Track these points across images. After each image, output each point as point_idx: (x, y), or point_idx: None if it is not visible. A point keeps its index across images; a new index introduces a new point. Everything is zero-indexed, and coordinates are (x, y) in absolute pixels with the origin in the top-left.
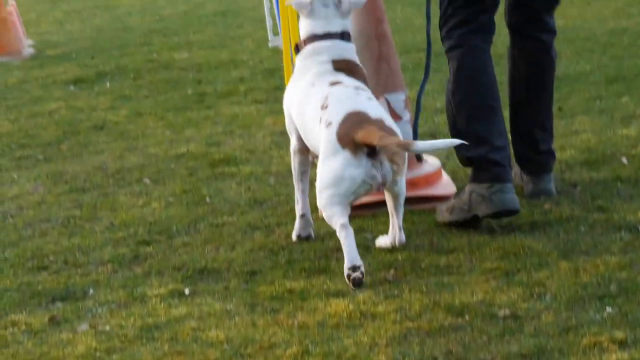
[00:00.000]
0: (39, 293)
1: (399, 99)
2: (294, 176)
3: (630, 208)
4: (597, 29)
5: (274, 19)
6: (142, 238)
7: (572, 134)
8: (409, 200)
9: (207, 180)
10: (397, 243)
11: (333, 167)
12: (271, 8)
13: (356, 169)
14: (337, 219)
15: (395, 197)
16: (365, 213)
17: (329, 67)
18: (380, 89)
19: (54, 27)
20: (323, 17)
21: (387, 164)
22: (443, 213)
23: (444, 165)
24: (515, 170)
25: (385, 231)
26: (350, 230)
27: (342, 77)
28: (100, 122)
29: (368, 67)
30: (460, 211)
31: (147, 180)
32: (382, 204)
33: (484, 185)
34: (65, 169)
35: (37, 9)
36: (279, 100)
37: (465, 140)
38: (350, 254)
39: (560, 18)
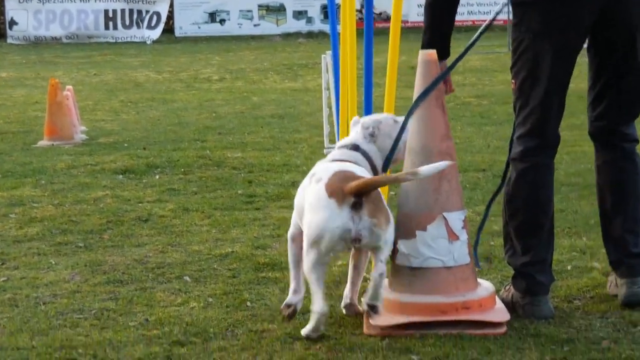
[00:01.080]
0: None
1: (457, 217)
2: (290, 263)
3: None
4: None
5: (331, 125)
6: (176, 338)
7: None
8: (461, 324)
9: (249, 284)
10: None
11: (317, 218)
12: (329, 115)
13: (337, 220)
14: (317, 289)
15: (377, 259)
16: (412, 333)
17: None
18: (438, 207)
19: (109, 115)
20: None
21: (366, 219)
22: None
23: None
24: (610, 278)
25: (434, 353)
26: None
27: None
28: (145, 215)
29: (428, 184)
30: (507, 305)
31: (187, 278)
32: (434, 324)
33: (518, 293)
34: (105, 259)
35: (95, 97)
36: None
37: (510, 247)
38: (312, 325)
39: None
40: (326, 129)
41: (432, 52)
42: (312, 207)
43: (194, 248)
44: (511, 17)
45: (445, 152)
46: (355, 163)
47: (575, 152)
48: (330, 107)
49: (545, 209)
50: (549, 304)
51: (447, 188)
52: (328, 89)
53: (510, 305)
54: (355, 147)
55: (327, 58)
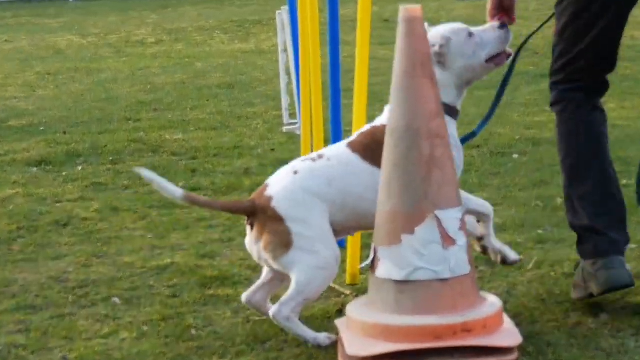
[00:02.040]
0: None
1: (452, 217)
2: None
3: None
4: None
5: (291, 96)
6: None
7: None
8: (460, 350)
9: (194, 305)
10: None
11: None
12: (289, 83)
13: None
14: None
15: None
16: None
17: None
18: (429, 204)
19: (22, 92)
20: None
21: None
22: (572, 292)
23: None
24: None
25: None
26: None
27: None
28: (64, 218)
29: (415, 172)
30: (581, 289)
31: (116, 300)
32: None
33: (587, 262)
34: (14, 277)
35: (6, 68)
36: None
37: (571, 206)
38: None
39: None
40: (285, 100)
41: (417, 8)
42: None
43: (125, 260)
44: None
45: (436, 132)
46: None
47: None
48: (289, 74)
49: (597, 150)
50: (626, 268)
51: (439, 178)
52: (286, 50)
53: (584, 286)
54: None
55: (283, 14)
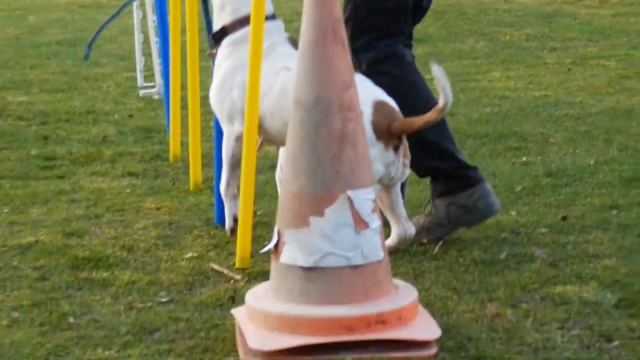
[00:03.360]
0: None
1: (365, 197)
2: (228, 164)
3: None
4: (591, 106)
5: (147, 56)
6: None
7: (590, 259)
8: (375, 344)
9: (67, 289)
10: (406, 235)
11: None
12: (144, 42)
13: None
14: None
15: (396, 192)
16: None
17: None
18: (341, 183)
19: None
20: None
21: (402, 159)
22: (421, 238)
23: None
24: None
25: None
26: None
27: None
28: None
29: (325, 150)
30: (440, 227)
31: None
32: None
33: (463, 194)
34: None
35: None
36: (160, 175)
37: (428, 152)
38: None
39: (536, 88)
40: (140, 61)
41: None
42: None
43: None
44: None
45: (347, 105)
46: None
47: (474, 89)
48: (144, 32)
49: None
50: (494, 195)
51: (351, 155)
52: (143, 5)
53: (448, 223)
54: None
55: None
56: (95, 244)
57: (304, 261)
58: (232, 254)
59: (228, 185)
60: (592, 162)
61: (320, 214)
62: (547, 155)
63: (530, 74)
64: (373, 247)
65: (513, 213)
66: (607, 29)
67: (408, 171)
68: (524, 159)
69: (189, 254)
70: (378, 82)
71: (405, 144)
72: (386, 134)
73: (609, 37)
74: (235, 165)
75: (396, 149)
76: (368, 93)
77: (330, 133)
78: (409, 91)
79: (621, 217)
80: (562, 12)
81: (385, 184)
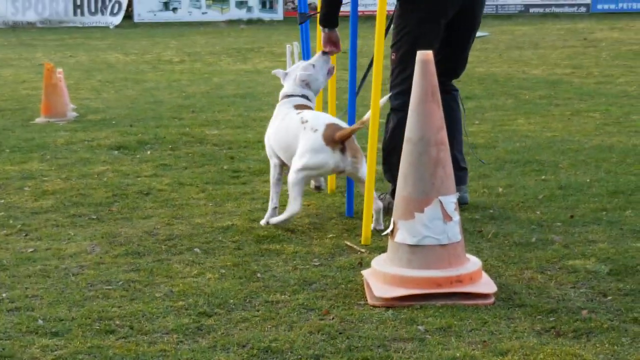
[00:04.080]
0: (110, 359)
1: (451, 201)
2: (272, 182)
3: None
4: (585, 143)
5: None
6: (202, 309)
7: (590, 243)
8: (454, 295)
9: (254, 256)
10: (375, 208)
11: (319, 158)
12: None
13: (332, 159)
14: (297, 195)
15: (360, 181)
16: (413, 304)
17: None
18: (435, 191)
19: (92, 94)
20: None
21: (349, 158)
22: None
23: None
24: None
25: (437, 324)
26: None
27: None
28: (145, 188)
29: (425, 170)
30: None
31: (197, 250)
32: (432, 296)
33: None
34: (118, 231)
35: (75, 76)
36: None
37: (394, 174)
38: (286, 217)
39: (548, 130)
40: None
41: (429, 53)
42: (311, 148)
43: (197, 221)
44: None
45: (440, 141)
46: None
47: (507, 131)
48: None
49: None
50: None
51: (442, 174)
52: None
53: (386, 208)
54: (305, 96)
55: (293, 48)
56: (270, 227)
57: (410, 240)
58: (358, 235)
59: (272, 199)
60: (588, 180)
61: (422, 210)
62: (558, 175)
63: (543, 121)
64: (454, 233)
65: (538, 212)
66: (592, 92)
67: (360, 165)
68: (543, 177)
69: (330, 235)
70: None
71: (352, 146)
72: (331, 142)
73: (594, 98)
74: (275, 183)
75: (342, 150)
76: (324, 119)
77: (429, 159)
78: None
79: (609, 216)
80: (562, 80)
81: (346, 174)
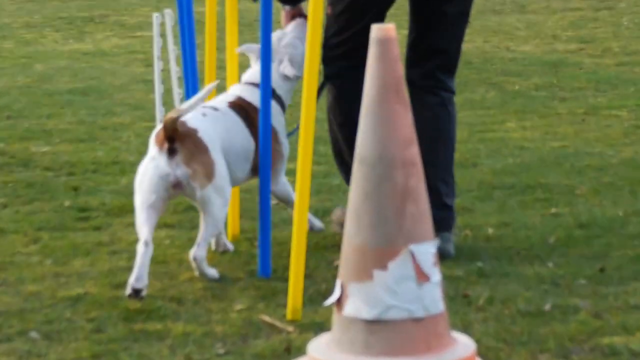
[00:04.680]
0: None
1: (427, 251)
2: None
3: None
4: (611, 157)
5: (169, 107)
6: None
7: (633, 309)
8: None
9: (124, 341)
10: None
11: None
12: (166, 94)
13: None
14: (140, 232)
15: (200, 210)
16: None
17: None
18: (403, 238)
19: None
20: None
21: (183, 166)
22: (335, 226)
23: None
24: None
25: None
26: (150, 249)
27: None
28: None
29: (388, 205)
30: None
31: (34, 334)
32: None
33: None
34: None
35: None
36: (195, 226)
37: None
38: (139, 271)
39: (553, 139)
40: (160, 111)
41: (389, 27)
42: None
43: (29, 289)
44: None
45: (410, 161)
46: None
47: (493, 140)
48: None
49: None
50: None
51: (413, 210)
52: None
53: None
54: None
55: (165, 17)
56: (145, 297)
57: (367, 314)
58: (280, 305)
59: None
60: (620, 214)
61: (384, 267)
62: (575, 207)
63: (545, 124)
64: (434, 300)
65: (550, 264)
66: (614, 79)
67: (201, 185)
68: (553, 210)
69: (239, 306)
70: None
71: (186, 154)
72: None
73: (617, 87)
74: None
75: (170, 153)
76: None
77: (394, 188)
78: (339, 109)
79: None
80: (567, 61)
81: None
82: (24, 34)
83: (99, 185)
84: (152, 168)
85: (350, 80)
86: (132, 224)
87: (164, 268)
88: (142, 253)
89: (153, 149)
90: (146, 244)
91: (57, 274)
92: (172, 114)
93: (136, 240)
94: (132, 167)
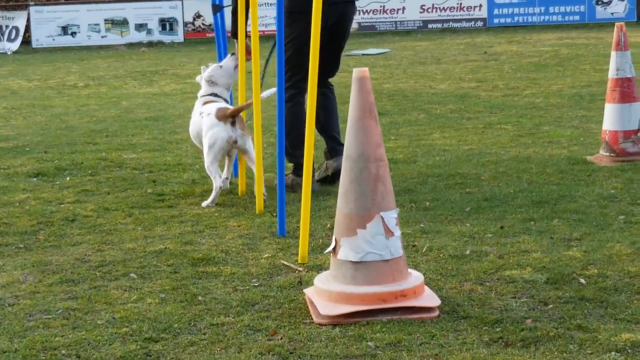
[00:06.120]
0: None
1: (392, 216)
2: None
3: (611, 329)
4: (502, 155)
5: None
6: (148, 335)
7: (523, 253)
8: (399, 310)
9: (192, 279)
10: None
11: (214, 131)
12: None
13: (224, 131)
14: (215, 174)
15: (247, 153)
16: (359, 320)
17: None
18: (376, 207)
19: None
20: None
21: (238, 130)
22: (316, 177)
23: None
24: (322, 166)
25: (387, 339)
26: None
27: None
28: (70, 215)
29: (366, 186)
30: (323, 172)
31: (133, 275)
32: (378, 311)
33: (298, 177)
34: (49, 259)
35: None
36: (235, 204)
37: (292, 154)
38: (213, 195)
39: (464, 144)
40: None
41: (365, 70)
42: (208, 126)
43: (128, 246)
44: None
45: (380, 157)
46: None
47: (425, 145)
48: None
49: (303, 129)
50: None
51: (382, 190)
52: None
53: (291, 189)
54: (214, 94)
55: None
56: (204, 249)
57: (353, 257)
58: (294, 254)
59: (214, 180)
60: (511, 191)
61: (364, 227)
62: (481, 188)
63: (458, 135)
64: (397, 248)
65: (468, 225)
66: (501, 105)
67: (247, 138)
68: (467, 190)
69: (266, 255)
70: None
71: (241, 121)
72: (223, 118)
73: (503, 110)
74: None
75: (233, 124)
76: (217, 105)
77: (369, 175)
78: (293, 122)
79: (537, 226)
80: (469, 94)
81: (238, 146)
82: (113, 82)
83: (169, 178)
84: (222, 132)
85: (300, 104)
86: (192, 203)
87: (216, 231)
88: (217, 187)
89: (217, 123)
90: (222, 181)
91: (146, 236)
92: (241, 106)
93: (197, 213)
94: (190, 167)
